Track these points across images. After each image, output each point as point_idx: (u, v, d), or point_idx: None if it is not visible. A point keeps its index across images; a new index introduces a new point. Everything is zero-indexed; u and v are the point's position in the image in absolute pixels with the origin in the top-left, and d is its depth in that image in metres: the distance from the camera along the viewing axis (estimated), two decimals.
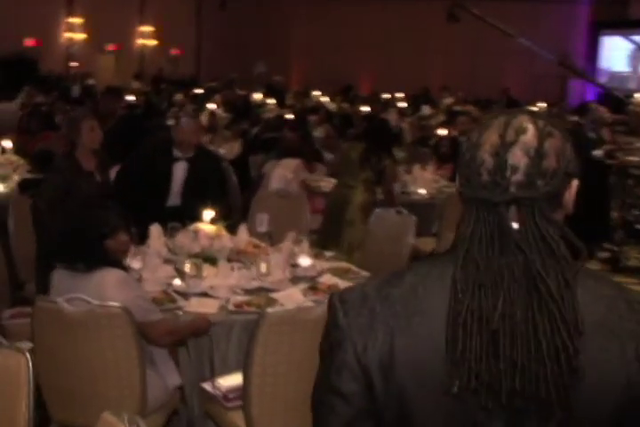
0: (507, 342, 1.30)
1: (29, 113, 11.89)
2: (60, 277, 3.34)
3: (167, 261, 4.23)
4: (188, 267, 3.86)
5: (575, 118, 11.58)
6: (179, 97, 17.85)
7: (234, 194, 7.43)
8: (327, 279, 4.15)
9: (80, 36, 22.01)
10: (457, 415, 1.35)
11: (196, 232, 4.23)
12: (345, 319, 1.41)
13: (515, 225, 1.34)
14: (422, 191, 7.35)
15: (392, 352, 1.36)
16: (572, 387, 1.30)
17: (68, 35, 21.90)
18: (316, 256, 4.65)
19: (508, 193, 1.33)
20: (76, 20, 21.94)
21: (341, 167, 6.41)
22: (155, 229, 4.47)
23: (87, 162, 5.08)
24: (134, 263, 4.02)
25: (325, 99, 19.06)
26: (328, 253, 4.81)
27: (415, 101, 16.80)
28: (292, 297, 3.84)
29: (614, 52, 24.44)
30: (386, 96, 20.69)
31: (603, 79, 23.71)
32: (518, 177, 1.33)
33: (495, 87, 23.19)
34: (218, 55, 28.42)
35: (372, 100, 18.51)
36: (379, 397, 1.38)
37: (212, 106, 14.60)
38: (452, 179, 8.72)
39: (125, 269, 3.45)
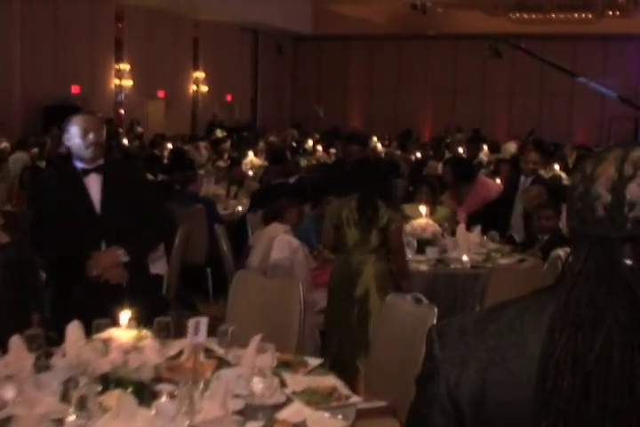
0: (600, 385, 1.23)
1: (47, 163, 10.94)
2: None
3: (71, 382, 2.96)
4: (74, 400, 2.61)
5: None
6: (226, 146, 16.84)
7: (226, 265, 6.19)
8: (293, 412, 2.83)
9: (128, 83, 21.30)
10: None
11: (107, 342, 2.95)
12: (440, 352, 1.37)
13: (628, 262, 1.27)
14: (465, 259, 5.95)
15: (484, 387, 1.31)
16: None
17: (116, 81, 21.22)
18: (293, 367, 3.35)
19: (624, 230, 1.28)
20: (125, 67, 21.28)
21: (338, 233, 5.08)
22: (72, 330, 3.21)
23: None
24: (7, 392, 2.77)
25: (379, 145, 17.87)
26: (313, 362, 3.49)
27: (470, 146, 15.41)
28: None
29: None
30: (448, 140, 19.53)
31: None
32: (636, 213, 1.28)
33: (564, 130, 21.87)
34: (274, 100, 27.64)
35: (431, 146, 17.27)
36: None
37: (251, 154, 13.49)
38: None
39: None
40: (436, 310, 3.66)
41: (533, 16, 27.03)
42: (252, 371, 3.05)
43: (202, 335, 2.87)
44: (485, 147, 15.75)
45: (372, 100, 26.62)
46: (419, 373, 1.43)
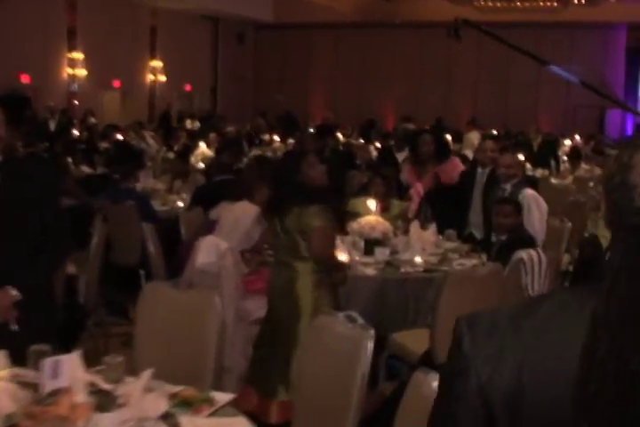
0: None
1: None
2: None
3: None
4: None
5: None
6: (181, 136, 16.14)
7: (154, 266, 5.58)
8: None
9: (82, 73, 20.54)
10: None
11: None
12: (471, 347, 1.27)
13: None
14: (418, 260, 5.36)
15: (520, 389, 1.22)
16: None
17: (69, 71, 20.44)
18: (195, 406, 2.75)
19: None
20: (78, 56, 20.51)
21: (272, 238, 4.46)
22: None
23: None
24: None
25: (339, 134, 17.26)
26: (221, 398, 2.89)
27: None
28: None
29: None
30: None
31: None
32: None
33: (529, 118, 21.48)
34: (235, 90, 26.94)
35: (393, 136, 16.70)
36: None
37: (203, 145, 12.85)
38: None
39: None
40: (372, 331, 3.09)
41: (498, 4, 26.66)
42: (138, 416, 2.46)
43: (62, 379, 2.26)
44: (448, 136, 15.21)
45: (335, 89, 26.05)
46: (442, 370, 1.35)
